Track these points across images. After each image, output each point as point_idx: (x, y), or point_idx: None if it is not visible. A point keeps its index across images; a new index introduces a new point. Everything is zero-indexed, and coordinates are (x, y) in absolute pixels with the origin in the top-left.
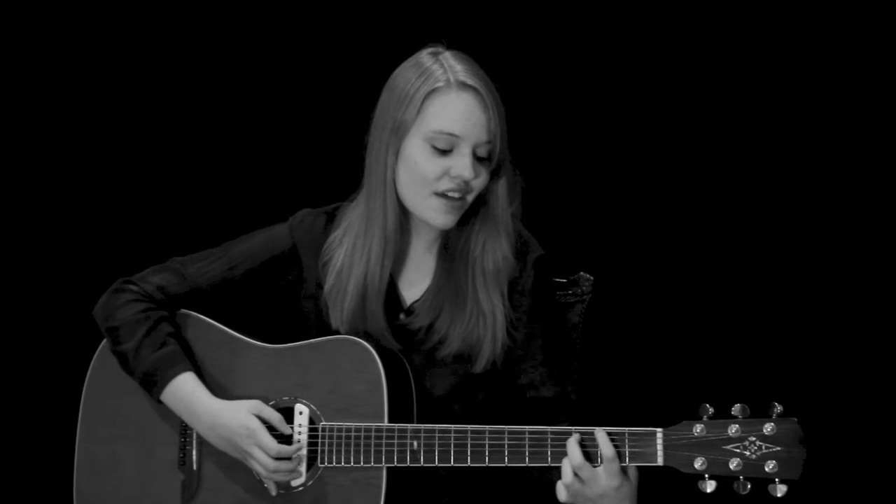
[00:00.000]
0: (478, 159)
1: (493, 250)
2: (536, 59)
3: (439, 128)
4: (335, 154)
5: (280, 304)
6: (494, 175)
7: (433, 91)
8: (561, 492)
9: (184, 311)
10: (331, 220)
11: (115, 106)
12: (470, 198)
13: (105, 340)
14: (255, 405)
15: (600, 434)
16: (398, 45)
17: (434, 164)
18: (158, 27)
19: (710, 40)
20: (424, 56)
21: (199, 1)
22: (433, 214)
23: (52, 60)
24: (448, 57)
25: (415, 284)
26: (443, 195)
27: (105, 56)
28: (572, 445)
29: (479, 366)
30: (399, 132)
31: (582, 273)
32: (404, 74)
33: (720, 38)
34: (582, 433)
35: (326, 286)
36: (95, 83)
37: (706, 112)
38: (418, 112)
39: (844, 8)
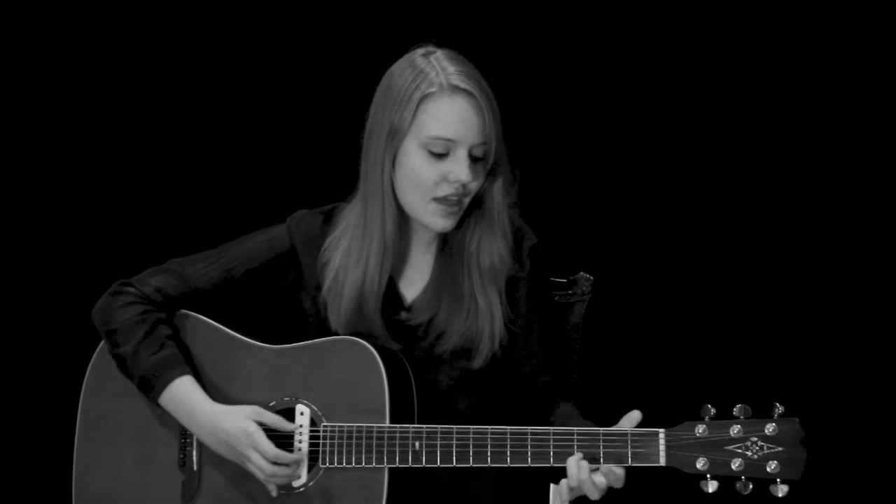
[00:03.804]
0: (474, 160)
1: (489, 249)
2: (535, 57)
3: (435, 133)
4: (332, 154)
5: (280, 305)
6: (490, 175)
7: (426, 96)
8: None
9: (183, 311)
10: (328, 220)
11: (112, 107)
12: (467, 200)
13: (103, 342)
14: (254, 410)
15: (605, 471)
16: (394, 43)
17: (432, 169)
18: (156, 28)
19: (710, 40)
20: (417, 57)
21: (198, 1)
22: (433, 219)
23: (51, 61)
24: (440, 58)
25: (414, 282)
26: (442, 200)
27: (103, 57)
28: (576, 462)
29: (478, 362)
30: (395, 138)
31: (582, 273)
32: (397, 77)
33: (720, 37)
34: (586, 435)
35: (324, 287)
36: (93, 84)
37: (706, 112)
38: (413, 118)
39: (844, 8)
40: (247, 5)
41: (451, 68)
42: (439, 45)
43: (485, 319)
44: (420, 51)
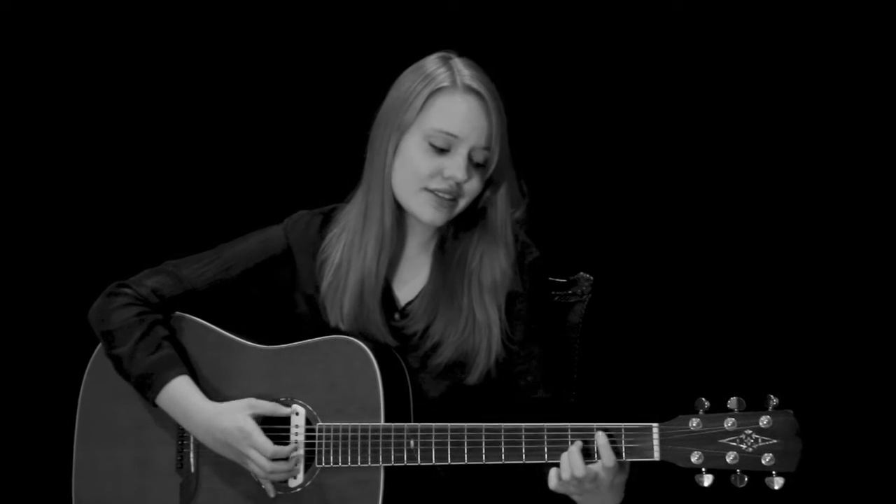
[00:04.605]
0: (474, 165)
1: (492, 264)
2: (536, 58)
3: (439, 126)
4: (332, 155)
5: (275, 305)
6: (495, 186)
7: (438, 90)
8: (553, 480)
9: (178, 313)
10: (327, 220)
11: (112, 107)
12: (462, 202)
13: (101, 344)
14: (249, 403)
15: (602, 440)
16: (395, 44)
17: (428, 162)
18: (156, 27)
19: (711, 40)
20: (434, 59)
21: (199, 2)
22: (422, 209)
23: (51, 60)
24: (458, 62)
25: (409, 285)
26: (433, 191)
27: (103, 57)
28: (575, 455)
29: (474, 377)
30: (400, 129)
31: (582, 273)
32: (411, 74)
33: (720, 37)
34: (580, 430)
35: (324, 284)
36: (93, 84)
37: (705, 112)
38: (421, 109)
39: (844, 8)
40: (246, 7)
41: (467, 71)
42: (445, 49)
43: (482, 334)
44: (438, 54)
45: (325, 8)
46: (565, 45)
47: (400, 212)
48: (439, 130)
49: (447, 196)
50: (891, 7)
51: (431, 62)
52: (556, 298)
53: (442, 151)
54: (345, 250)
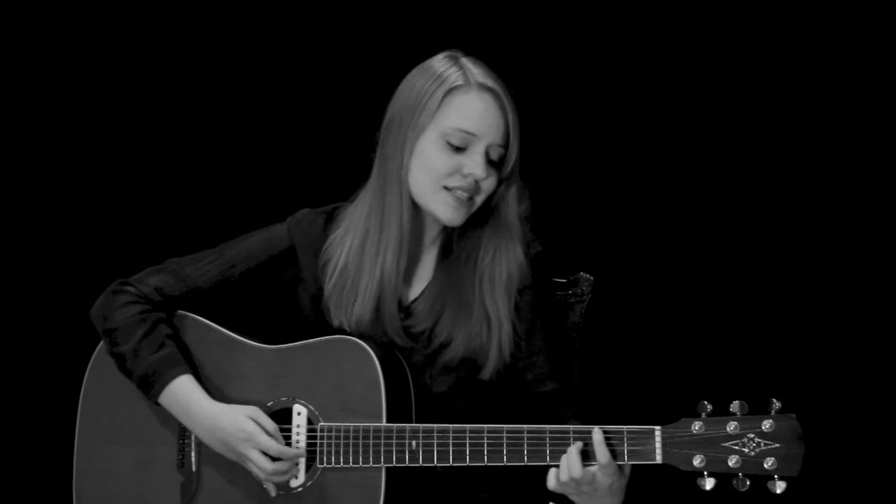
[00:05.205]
0: (489, 162)
1: (507, 259)
2: (536, 57)
3: (457, 125)
4: (334, 155)
5: (278, 305)
6: (508, 182)
7: (454, 89)
8: (552, 481)
9: (181, 312)
10: (330, 219)
11: (113, 106)
12: (478, 199)
13: (102, 342)
14: (253, 411)
15: (597, 437)
16: (396, 44)
17: (447, 160)
18: (157, 26)
19: (711, 40)
20: (442, 59)
21: (200, 2)
22: (443, 209)
23: (52, 60)
24: (466, 61)
25: (412, 284)
26: (452, 190)
27: (104, 56)
28: (573, 456)
29: (486, 373)
30: (416, 130)
31: (582, 273)
32: (423, 74)
33: (720, 37)
34: (580, 432)
35: (328, 286)
36: (94, 83)
37: (705, 112)
38: (437, 108)
39: (844, 8)
40: (246, 6)
41: (477, 70)
42: (447, 49)
43: (494, 330)
44: (445, 54)
45: (325, 8)
46: (565, 46)
47: (415, 210)
48: (457, 129)
49: (465, 194)
50: (891, 7)
51: (439, 62)
52: (556, 292)
53: (459, 150)
54: (352, 252)
